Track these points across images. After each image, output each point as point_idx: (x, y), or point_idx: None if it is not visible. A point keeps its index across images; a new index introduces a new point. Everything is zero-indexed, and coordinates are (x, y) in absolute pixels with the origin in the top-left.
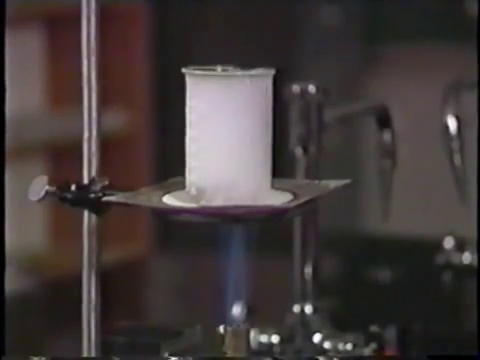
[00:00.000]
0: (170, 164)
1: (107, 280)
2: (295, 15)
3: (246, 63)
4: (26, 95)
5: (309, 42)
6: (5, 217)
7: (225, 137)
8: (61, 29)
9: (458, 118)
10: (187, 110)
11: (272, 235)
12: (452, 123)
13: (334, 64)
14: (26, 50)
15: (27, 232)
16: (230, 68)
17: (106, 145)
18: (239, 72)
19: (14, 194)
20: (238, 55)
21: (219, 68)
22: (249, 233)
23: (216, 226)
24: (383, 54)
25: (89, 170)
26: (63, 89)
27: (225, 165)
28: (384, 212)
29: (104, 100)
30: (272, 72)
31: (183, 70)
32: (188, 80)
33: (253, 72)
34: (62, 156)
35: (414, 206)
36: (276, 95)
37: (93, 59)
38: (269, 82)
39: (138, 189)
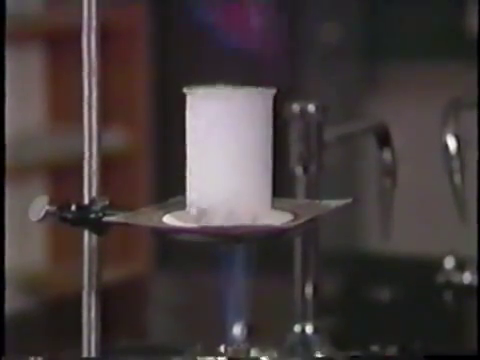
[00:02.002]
0: (170, 182)
1: (107, 299)
2: (295, 34)
3: (246, 82)
4: (26, 113)
5: (309, 61)
6: (5, 236)
7: (225, 157)
8: (62, 47)
9: (458, 137)
10: (188, 129)
11: (272, 254)
12: (452, 142)
13: (334, 83)
14: (26, 68)
15: (27, 251)
16: (230, 87)
17: (106, 163)
18: (239, 91)
19: (14, 213)
20: (238, 74)
21: (219, 87)
22: (249, 252)
23: (216, 245)
24: (383, 72)
25: (89, 190)
26: (63, 107)
27: (225, 185)
28: (385, 231)
29: (104, 118)
30: (272, 91)
31: (184, 90)
32: (189, 99)
33: (253, 91)
34: (62, 174)
35: (415, 225)
36: (276, 114)
37: (94, 79)
38: (269, 101)
39: (138, 209)
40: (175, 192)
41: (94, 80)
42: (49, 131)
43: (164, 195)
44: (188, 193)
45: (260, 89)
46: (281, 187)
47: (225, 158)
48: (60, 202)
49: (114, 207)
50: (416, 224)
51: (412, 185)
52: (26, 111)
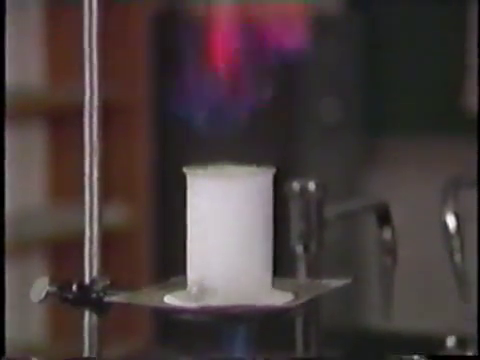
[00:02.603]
0: (171, 257)
1: None
2: (294, 111)
3: (246, 161)
4: (27, 189)
5: (308, 137)
6: (5, 312)
7: (225, 236)
8: (63, 124)
9: (457, 216)
10: (188, 208)
11: (274, 332)
12: (451, 221)
13: (334, 159)
14: (27, 145)
15: (27, 328)
16: (230, 166)
17: (107, 238)
18: (239, 171)
19: (14, 289)
20: (239, 152)
21: (219, 166)
22: (250, 330)
23: (218, 324)
24: (383, 149)
25: (90, 269)
26: (64, 184)
27: (226, 264)
28: (385, 309)
29: (105, 194)
30: (272, 170)
31: (184, 169)
32: (189, 179)
33: (254, 171)
34: (63, 251)
35: (416, 303)
36: (276, 192)
37: (95, 157)
38: (269, 180)
39: (140, 288)
40: (176, 267)
41: (95, 158)
42: (50, 208)
43: (165, 270)
44: (189, 272)
45: (260, 168)
46: (282, 264)
47: (225, 238)
48: (61, 281)
49: (115, 286)
50: (417, 302)
51: (413, 263)
52: (27, 187)
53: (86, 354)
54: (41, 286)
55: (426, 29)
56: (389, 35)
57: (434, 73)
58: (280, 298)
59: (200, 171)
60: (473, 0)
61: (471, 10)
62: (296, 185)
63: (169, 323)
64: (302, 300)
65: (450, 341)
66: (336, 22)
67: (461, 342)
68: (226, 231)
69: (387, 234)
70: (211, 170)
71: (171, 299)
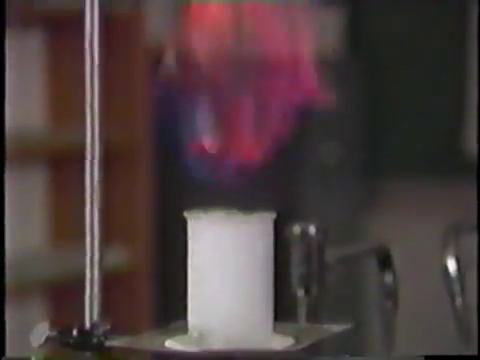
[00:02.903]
0: (171, 302)
1: None
2: (295, 154)
3: (247, 204)
4: (27, 232)
5: (309, 181)
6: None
7: (226, 281)
8: (63, 167)
9: (458, 260)
10: (189, 253)
11: None
12: (452, 265)
13: (335, 202)
14: (28, 187)
15: None
16: (232, 211)
17: (107, 282)
18: (240, 216)
19: (14, 332)
20: (239, 196)
21: (221, 211)
22: None
23: None
24: (383, 192)
25: (91, 313)
26: (65, 227)
27: (226, 309)
28: (387, 352)
29: (106, 237)
30: (272, 215)
31: (185, 214)
32: (190, 223)
33: (254, 216)
34: (63, 294)
35: (416, 347)
36: (277, 235)
37: (96, 201)
38: (270, 225)
39: (140, 333)
40: (176, 310)
41: (96, 201)
42: (50, 250)
43: (165, 313)
44: (189, 316)
45: (260, 214)
46: (283, 308)
47: (226, 282)
48: (61, 325)
49: (116, 330)
50: (418, 346)
51: (414, 307)
52: (27, 230)
53: None
54: (41, 331)
55: (426, 73)
56: (389, 78)
57: (434, 117)
58: (280, 343)
59: (201, 216)
60: (472, 44)
61: (470, 58)
62: (297, 229)
63: None
64: (303, 345)
65: None
66: (336, 66)
67: None
68: (227, 276)
69: (388, 278)
70: (212, 215)
71: (172, 344)
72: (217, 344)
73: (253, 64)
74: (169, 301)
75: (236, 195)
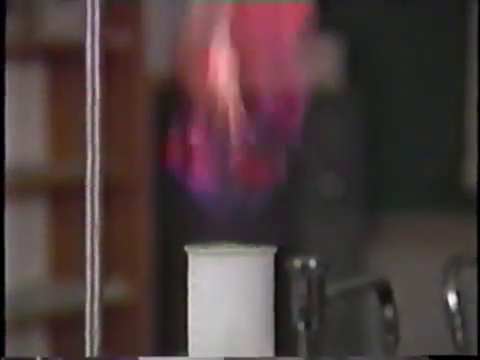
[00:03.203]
0: (171, 335)
1: None
2: (295, 187)
3: (248, 239)
4: (27, 266)
5: (310, 214)
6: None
7: (227, 315)
8: (63, 200)
9: (459, 294)
10: (189, 287)
11: None
12: (452, 300)
13: (335, 235)
14: (28, 220)
15: None
16: (232, 245)
17: (108, 315)
18: (240, 250)
19: None
20: (240, 231)
21: (221, 246)
22: None
23: None
24: (383, 225)
25: (91, 347)
26: (65, 261)
27: (226, 344)
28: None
29: (106, 271)
30: (273, 250)
31: (185, 248)
32: (190, 258)
33: (254, 251)
34: (63, 327)
35: None
36: (277, 268)
37: (96, 235)
38: (271, 259)
39: None
40: (176, 343)
41: (96, 235)
42: (50, 284)
43: (165, 347)
44: (190, 350)
45: (261, 248)
46: (283, 342)
47: (226, 317)
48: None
49: None
50: None
51: (414, 340)
52: (27, 263)
53: None
54: None
55: (426, 106)
56: (389, 110)
57: (434, 150)
58: None
59: (201, 250)
60: (472, 81)
61: (470, 96)
62: (297, 263)
63: None
64: None
65: None
66: (336, 97)
67: None
68: (227, 310)
69: (389, 312)
70: (212, 249)
71: None
72: None
73: (251, 97)
74: (169, 335)
75: (237, 229)
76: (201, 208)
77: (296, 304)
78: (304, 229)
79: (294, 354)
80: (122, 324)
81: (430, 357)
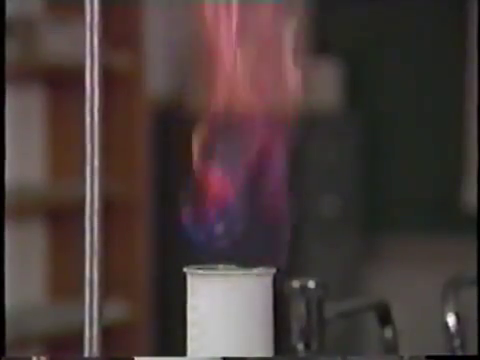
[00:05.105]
0: (170, 355)
1: None
2: (293, 208)
3: (247, 260)
4: (26, 287)
5: (309, 235)
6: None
7: (226, 336)
8: (63, 222)
9: (458, 315)
10: (188, 308)
11: None
12: (452, 321)
13: (334, 256)
14: (27, 242)
15: None
16: (231, 267)
17: (106, 336)
18: (239, 272)
19: None
20: (239, 253)
21: (220, 267)
22: None
23: None
24: (382, 246)
25: None
26: (64, 282)
27: None
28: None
29: (105, 291)
30: (272, 271)
31: (185, 269)
32: (189, 279)
33: (253, 272)
34: (62, 349)
35: None
36: (277, 290)
37: (96, 256)
38: (270, 281)
39: None
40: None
41: (96, 256)
42: (49, 305)
43: None
44: None
45: (260, 269)
46: None
47: (225, 338)
48: None
49: None
50: None
51: None
52: (26, 284)
53: None
54: None
55: (425, 128)
56: (388, 132)
57: (433, 172)
58: None
59: (200, 271)
60: (471, 104)
61: (470, 116)
62: (296, 284)
63: None
64: None
65: None
66: (335, 119)
67: None
68: (226, 331)
69: (388, 333)
70: (211, 270)
71: None
72: None
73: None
74: (168, 355)
75: (236, 250)
76: (200, 230)
77: (295, 325)
78: (303, 250)
79: None
80: (121, 344)
81: (428, 357)
